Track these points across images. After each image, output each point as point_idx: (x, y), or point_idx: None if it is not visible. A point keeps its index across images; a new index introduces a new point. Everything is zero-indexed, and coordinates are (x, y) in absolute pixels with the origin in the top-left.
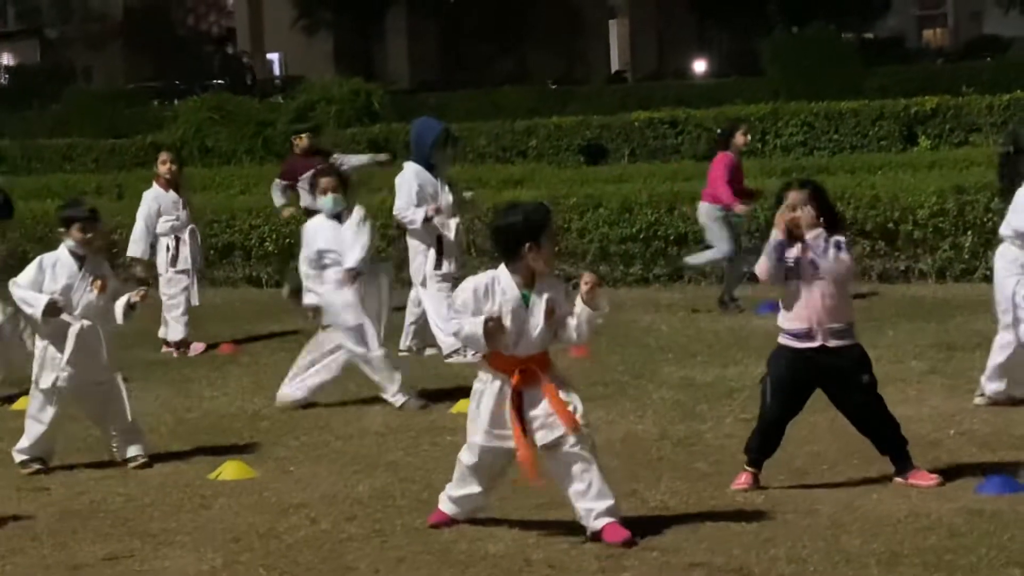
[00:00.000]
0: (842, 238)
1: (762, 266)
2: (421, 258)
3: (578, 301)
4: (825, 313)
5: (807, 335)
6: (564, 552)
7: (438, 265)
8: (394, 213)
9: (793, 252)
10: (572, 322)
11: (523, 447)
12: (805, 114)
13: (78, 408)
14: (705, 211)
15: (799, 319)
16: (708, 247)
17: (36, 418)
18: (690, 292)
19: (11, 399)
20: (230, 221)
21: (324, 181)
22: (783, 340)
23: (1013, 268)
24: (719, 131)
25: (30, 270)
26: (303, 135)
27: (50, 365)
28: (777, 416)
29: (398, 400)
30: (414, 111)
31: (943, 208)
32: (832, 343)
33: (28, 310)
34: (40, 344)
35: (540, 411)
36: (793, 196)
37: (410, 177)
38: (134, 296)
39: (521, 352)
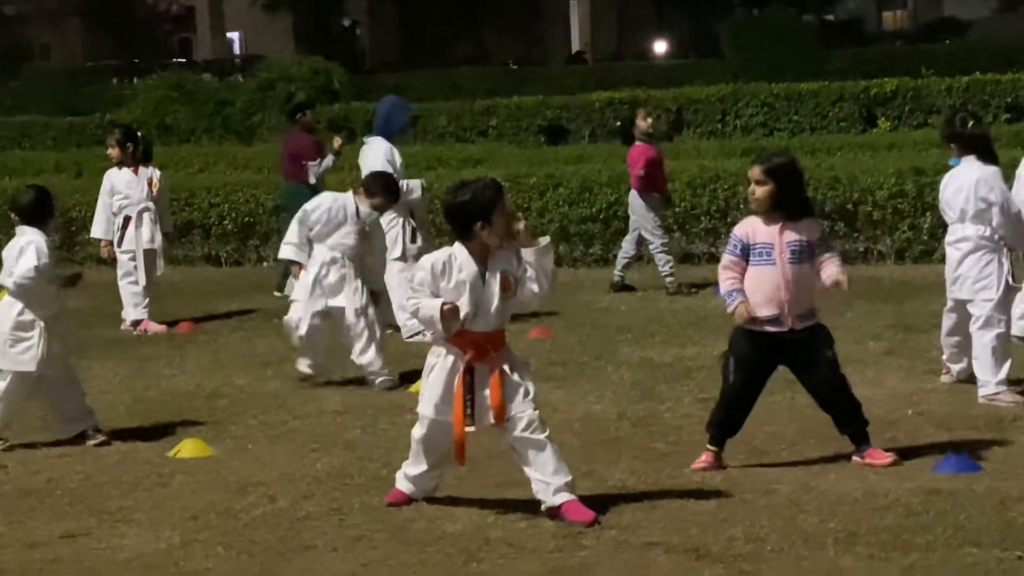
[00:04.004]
0: (823, 237)
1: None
2: (396, 232)
3: (524, 253)
4: (794, 300)
5: (775, 321)
6: (522, 531)
7: (414, 238)
8: None
9: (762, 239)
10: (529, 274)
11: (459, 428)
12: (765, 95)
13: (40, 388)
14: (643, 201)
15: (768, 305)
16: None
17: (9, 401)
18: (649, 273)
19: None
20: (189, 199)
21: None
22: (747, 325)
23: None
24: (619, 123)
25: (37, 257)
26: (307, 112)
27: (29, 344)
28: (741, 395)
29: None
30: (374, 90)
31: (902, 189)
32: (799, 325)
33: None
34: (27, 323)
35: (490, 392)
36: (751, 171)
37: (387, 150)
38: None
39: (478, 328)
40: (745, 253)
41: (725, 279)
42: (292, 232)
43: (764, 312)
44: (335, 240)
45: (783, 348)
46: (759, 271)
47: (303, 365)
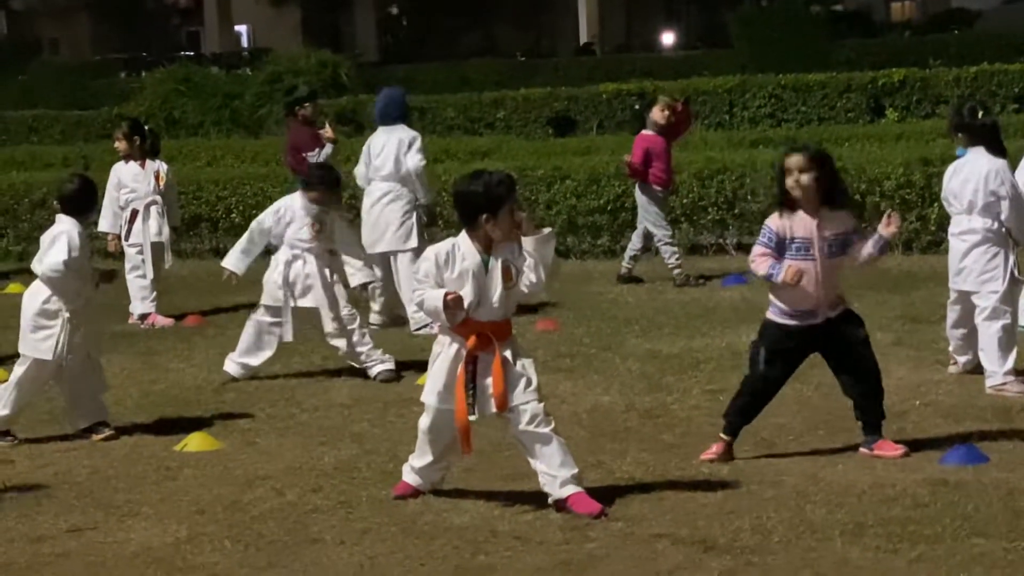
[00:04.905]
0: (855, 230)
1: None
2: (411, 223)
3: (524, 242)
4: (829, 291)
5: (810, 314)
6: (529, 523)
7: (431, 223)
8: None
9: (800, 234)
10: (528, 262)
11: (461, 416)
12: (772, 86)
13: (56, 379)
14: (645, 195)
15: (805, 299)
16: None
17: (24, 387)
18: (657, 264)
19: None
20: (197, 193)
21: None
22: (780, 318)
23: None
24: (635, 107)
25: (68, 250)
26: (306, 105)
27: (49, 333)
28: (770, 384)
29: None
30: (382, 83)
31: (910, 180)
32: (831, 314)
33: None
34: (51, 311)
35: (492, 380)
36: (793, 160)
37: (413, 136)
38: None
39: (482, 317)
40: (780, 247)
41: (762, 261)
42: (241, 240)
43: (800, 307)
44: (291, 236)
45: (817, 337)
46: (797, 266)
47: (234, 368)
